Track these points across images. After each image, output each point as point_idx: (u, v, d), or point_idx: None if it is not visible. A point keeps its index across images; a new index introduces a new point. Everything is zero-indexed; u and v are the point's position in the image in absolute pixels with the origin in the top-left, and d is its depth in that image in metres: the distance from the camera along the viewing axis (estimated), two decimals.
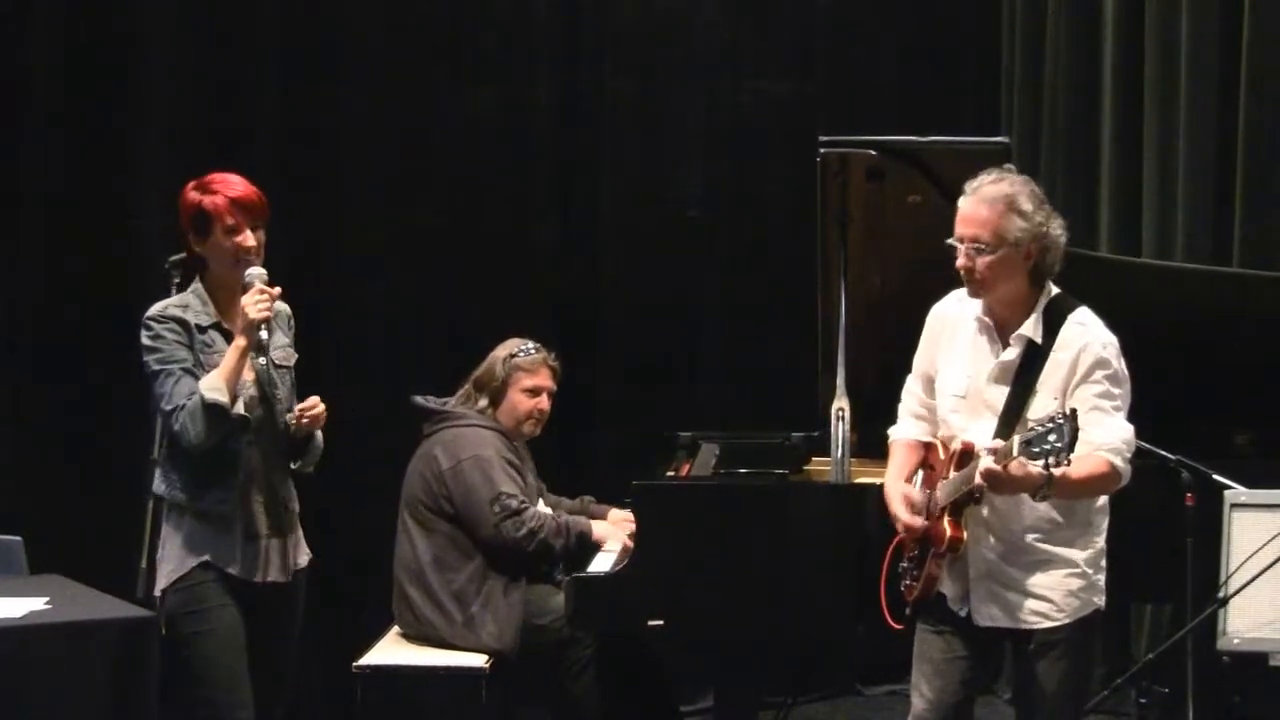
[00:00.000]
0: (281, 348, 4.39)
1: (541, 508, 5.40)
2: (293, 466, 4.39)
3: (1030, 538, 4.05)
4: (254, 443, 4.25)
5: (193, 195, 4.25)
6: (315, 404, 4.29)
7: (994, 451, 3.87)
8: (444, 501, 5.26)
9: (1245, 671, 4.65)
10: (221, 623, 4.22)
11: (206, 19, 6.26)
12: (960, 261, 4.03)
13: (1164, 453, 4.85)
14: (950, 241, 4.04)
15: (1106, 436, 3.95)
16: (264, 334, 4.14)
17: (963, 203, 4.04)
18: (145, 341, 4.20)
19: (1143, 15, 6.25)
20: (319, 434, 4.39)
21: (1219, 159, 6.01)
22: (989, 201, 3.99)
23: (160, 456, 4.28)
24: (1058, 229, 4.05)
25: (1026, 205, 4.00)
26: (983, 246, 3.98)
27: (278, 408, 4.32)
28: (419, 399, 5.43)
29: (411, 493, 5.33)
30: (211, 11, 6.28)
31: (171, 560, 4.25)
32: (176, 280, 4.41)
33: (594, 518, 5.49)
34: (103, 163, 6.10)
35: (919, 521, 4.12)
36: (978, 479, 3.89)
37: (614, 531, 5.30)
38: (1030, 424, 3.86)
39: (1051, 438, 3.73)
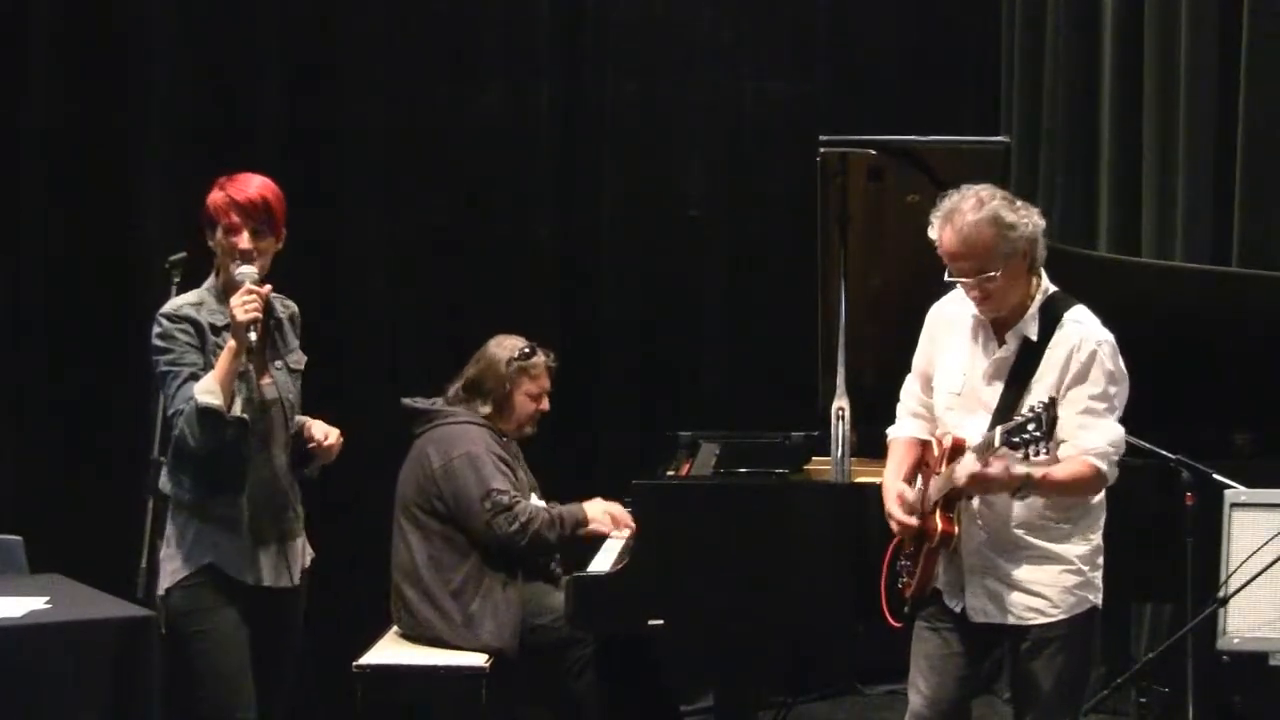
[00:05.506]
0: (293, 350, 4.38)
1: (534, 500, 5.41)
2: (304, 472, 4.40)
3: (1021, 532, 4.06)
4: (262, 447, 4.25)
5: (212, 192, 4.24)
6: (331, 440, 4.32)
7: (978, 446, 3.89)
8: (437, 501, 5.26)
9: (1245, 671, 4.65)
10: (224, 624, 4.22)
11: (207, 19, 6.26)
12: (974, 295, 4.01)
13: (1164, 452, 4.84)
14: (950, 279, 4.03)
15: (1095, 441, 3.96)
16: (252, 335, 4.10)
17: (948, 239, 3.97)
18: (156, 340, 4.18)
19: (1142, 15, 6.24)
20: None
21: (1219, 159, 6.00)
22: (978, 229, 3.94)
23: (167, 456, 4.27)
24: (1038, 218, 4.04)
25: (1009, 215, 3.97)
26: (993, 274, 3.96)
27: (286, 412, 4.31)
28: (407, 401, 5.43)
29: (405, 494, 5.33)
30: (212, 12, 6.28)
31: (176, 560, 4.24)
32: (177, 280, 4.40)
33: None
34: (103, 163, 6.10)
35: (912, 520, 4.12)
36: (959, 479, 3.92)
37: (608, 510, 5.28)
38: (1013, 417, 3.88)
39: (1030, 427, 3.77)
